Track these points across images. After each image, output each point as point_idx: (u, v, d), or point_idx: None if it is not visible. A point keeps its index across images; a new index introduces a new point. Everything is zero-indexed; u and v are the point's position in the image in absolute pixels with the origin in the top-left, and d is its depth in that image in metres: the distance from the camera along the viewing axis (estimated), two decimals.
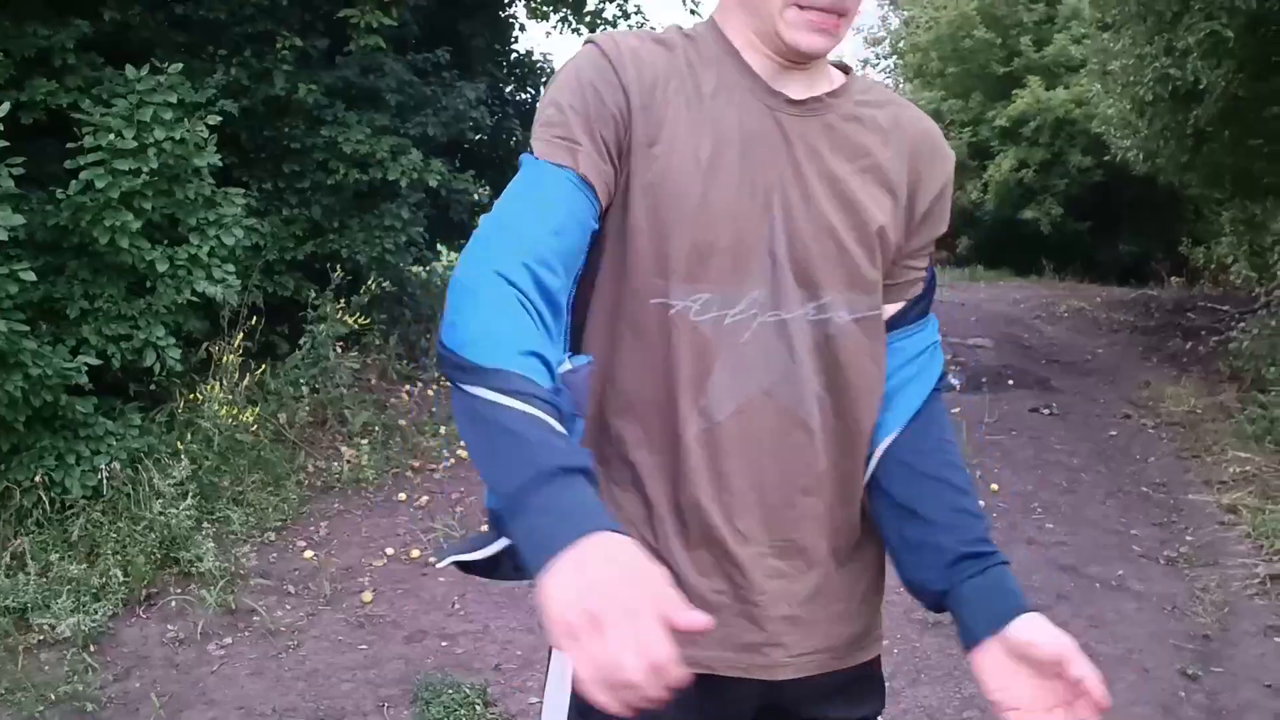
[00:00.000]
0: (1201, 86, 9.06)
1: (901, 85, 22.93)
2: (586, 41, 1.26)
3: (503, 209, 1.17)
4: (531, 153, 1.20)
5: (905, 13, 21.91)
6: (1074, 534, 5.00)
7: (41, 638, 3.86)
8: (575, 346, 1.26)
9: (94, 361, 4.67)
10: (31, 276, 4.23)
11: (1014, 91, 18.23)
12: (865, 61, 23.23)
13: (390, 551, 4.89)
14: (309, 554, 4.82)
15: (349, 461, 5.88)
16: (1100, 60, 13.32)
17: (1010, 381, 8.66)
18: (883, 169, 1.27)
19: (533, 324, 1.05)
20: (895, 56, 22.65)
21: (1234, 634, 3.92)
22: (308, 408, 6.17)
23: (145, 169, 4.71)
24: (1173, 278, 15.72)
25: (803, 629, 1.30)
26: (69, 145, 4.72)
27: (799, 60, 1.24)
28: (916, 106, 1.38)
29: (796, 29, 1.20)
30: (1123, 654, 3.78)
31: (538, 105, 1.28)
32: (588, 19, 11.20)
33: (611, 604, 0.80)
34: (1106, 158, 15.37)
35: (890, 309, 1.32)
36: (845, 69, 1.34)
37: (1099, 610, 4.14)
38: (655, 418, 1.25)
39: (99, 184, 4.61)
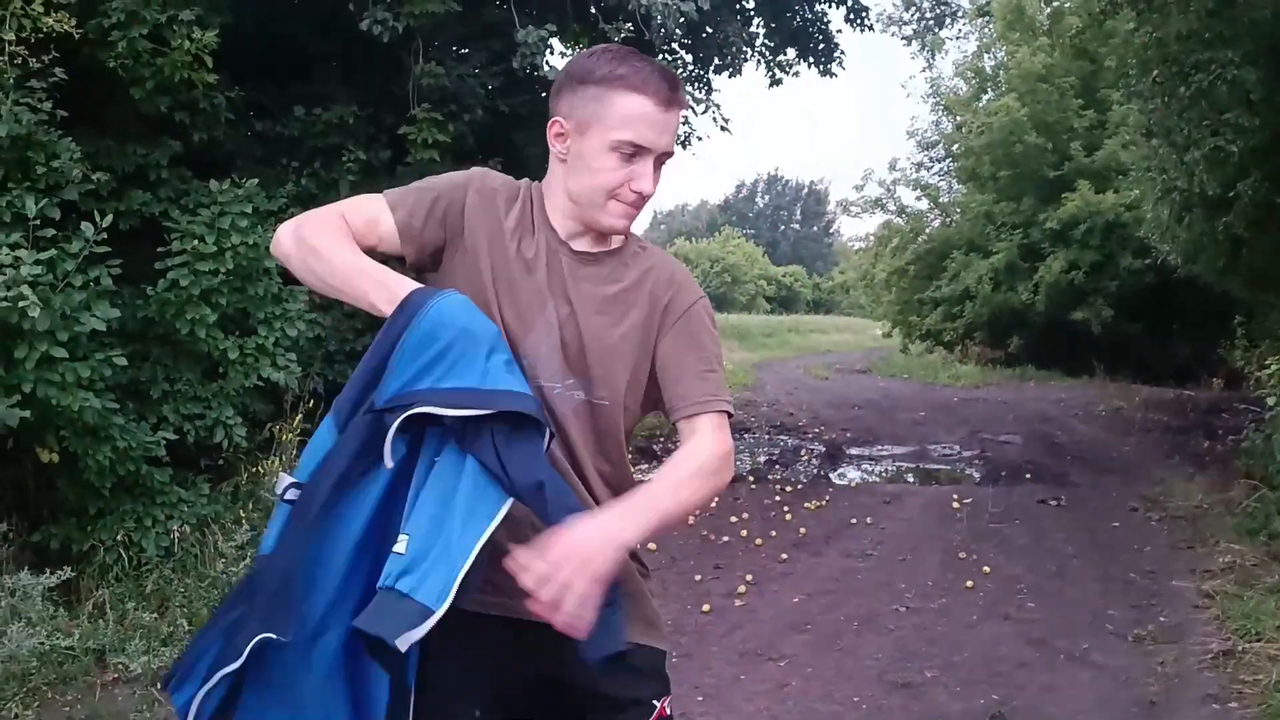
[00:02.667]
0: (1212, 195, 9.46)
1: (955, 188, 23.47)
2: (476, 167, 1.91)
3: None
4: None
5: (958, 118, 22.49)
6: (1052, 612, 5.38)
7: (117, 675, 4.42)
8: None
9: (171, 437, 5.37)
10: (123, 361, 4.94)
11: (1064, 195, 18.59)
12: (919, 164, 23.78)
13: None
14: None
15: None
16: (1141, 167, 13.76)
17: (1028, 475, 9.03)
18: (630, 304, 1.83)
19: None
20: (949, 160, 23.21)
21: (1177, 702, 4.28)
22: None
23: (222, 269, 5.45)
24: (1214, 379, 15.87)
25: None
26: (159, 249, 5.48)
27: (603, 235, 1.83)
28: (672, 257, 1.97)
29: (613, 216, 1.78)
30: (1068, 715, 4.16)
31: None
32: None
33: None
34: (1155, 260, 15.63)
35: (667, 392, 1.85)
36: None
37: (1054, 678, 4.52)
38: None
39: (183, 282, 5.36)
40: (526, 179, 1.93)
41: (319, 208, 1.81)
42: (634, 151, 1.73)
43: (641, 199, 1.77)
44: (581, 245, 1.85)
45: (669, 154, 1.77)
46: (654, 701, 1.86)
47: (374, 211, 1.78)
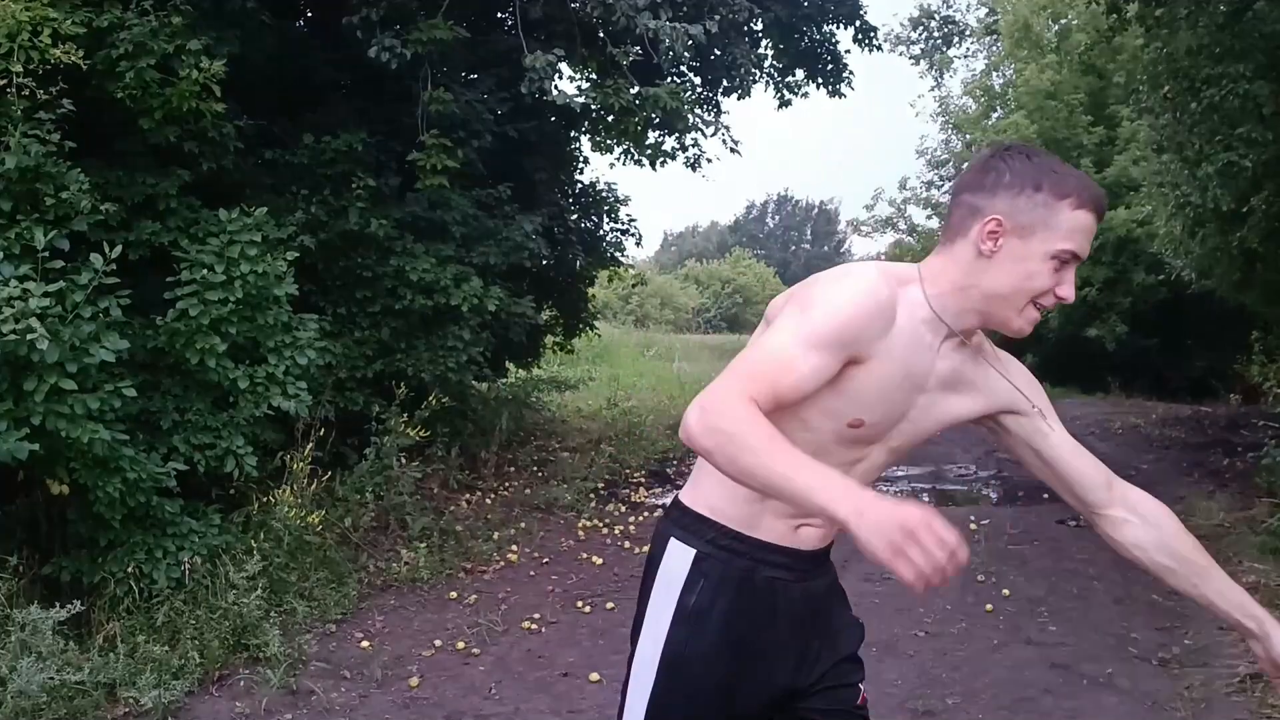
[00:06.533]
0: (1225, 210, 9.40)
1: None
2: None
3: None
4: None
5: (967, 136, 22.50)
6: (1074, 635, 5.30)
7: (127, 710, 4.37)
8: None
9: (182, 467, 5.33)
10: (132, 393, 4.90)
11: None
12: (930, 183, 23.80)
13: (438, 643, 5.36)
14: (365, 643, 5.32)
15: (407, 563, 6.42)
16: (1152, 182, 13.71)
17: (1046, 495, 8.92)
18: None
19: None
20: None
21: None
22: (372, 513, 6.74)
23: (232, 298, 5.42)
24: (1231, 394, 15.75)
25: None
26: (169, 279, 5.46)
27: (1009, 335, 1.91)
28: None
29: (1025, 320, 1.85)
30: None
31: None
32: (649, 151, 11.99)
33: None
34: (1169, 275, 15.56)
35: None
36: None
37: (1080, 704, 4.44)
38: None
39: (192, 312, 5.34)
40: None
41: (721, 387, 1.71)
42: (1069, 259, 1.81)
43: (1054, 304, 1.87)
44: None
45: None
46: (860, 685, 2.09)
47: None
